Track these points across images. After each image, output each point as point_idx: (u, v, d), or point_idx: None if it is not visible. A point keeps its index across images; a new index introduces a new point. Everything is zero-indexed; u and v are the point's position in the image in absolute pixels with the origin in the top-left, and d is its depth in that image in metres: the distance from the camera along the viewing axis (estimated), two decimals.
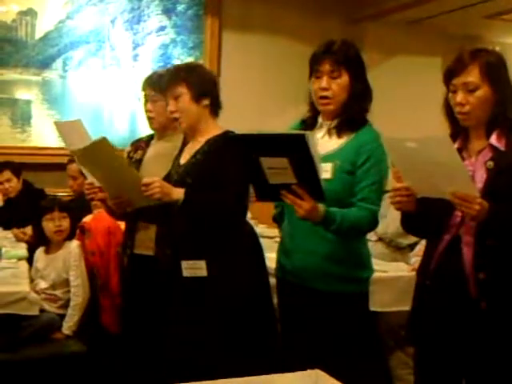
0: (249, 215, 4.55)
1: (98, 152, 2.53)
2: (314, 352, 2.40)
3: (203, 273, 2.54)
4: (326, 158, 2.46)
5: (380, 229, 4.29)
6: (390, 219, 4.10)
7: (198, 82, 2.64)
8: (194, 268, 2.55)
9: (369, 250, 2.66)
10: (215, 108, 2.70)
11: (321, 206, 2.27)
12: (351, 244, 2.51)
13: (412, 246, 4.18)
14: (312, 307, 2.49)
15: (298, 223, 2.43)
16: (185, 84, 2.63)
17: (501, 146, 2.17)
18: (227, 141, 2.55)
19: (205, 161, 2.62)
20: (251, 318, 2.58)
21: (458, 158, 2.00)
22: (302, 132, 2.15)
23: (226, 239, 2.58)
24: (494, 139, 2.18)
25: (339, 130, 2.50)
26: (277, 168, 2.16)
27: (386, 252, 4.29)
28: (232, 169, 2.47)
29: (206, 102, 2.65)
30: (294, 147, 2.11)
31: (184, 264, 2.56)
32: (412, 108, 6.10)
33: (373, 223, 2.45)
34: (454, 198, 2.03)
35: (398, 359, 3.72)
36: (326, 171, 2.42)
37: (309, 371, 1.64)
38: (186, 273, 2.56)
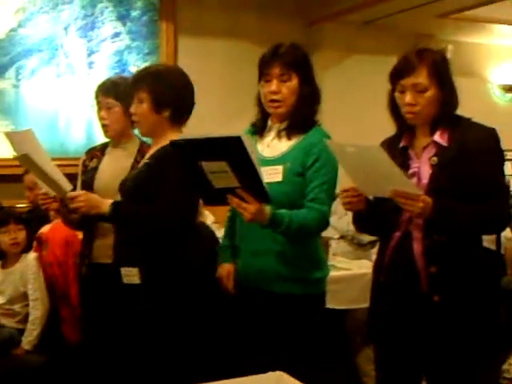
0: (211, 219, 4.56)
1: (28, 164, 2.56)
2: (273, 355, 2.37)
3: (137, 280, 2.51)
4: (277, 161, 2.46)
5: (342, 227, 4.32)
6: (350, 217, 4.13)
7: (162, 92, 2.58)
8: (130, 275, 2.52)
9: (323, 251, 2.65)
10: (178, 118, 2.64)
11: (267, 209, 2.25)
12: (304, 245, 2.49)
13: (374, 243, 4.21)
14: (267, 310, 2.47)
15: (249, 226, 2.41)
16: (147, 92, 2.58)
17: (443, 141, 2.23)
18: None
19: (147, 168, 2.58)
20: (198, 324, 2.54)
21: (394, 165, 2.04)
22: (237, 134, 2.12)
23: (163, 247, 2.52)
24: (437, 136, 2.24)
25: (289, 133, 2.50)
26: (218, 172, 2.15)
27: (350, 250, 4.33)
28: (172, 178, 2.44)
29: (166, 113, 2.60)
30: (231, 150, 2.09)
31: (122, 271, 2.54)
32: (370, 105, 6.12)
33: (322, 224, 2.44)
34: (396, 197, 2.06)
35: (365, 355, 3.74)
36: (277, 173, 2.42)
37: (270, 373, 1.62)
38: (124, 280, 2.54)
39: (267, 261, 2.45)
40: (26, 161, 2.56)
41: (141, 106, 2.60)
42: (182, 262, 2.53)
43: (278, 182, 2.40)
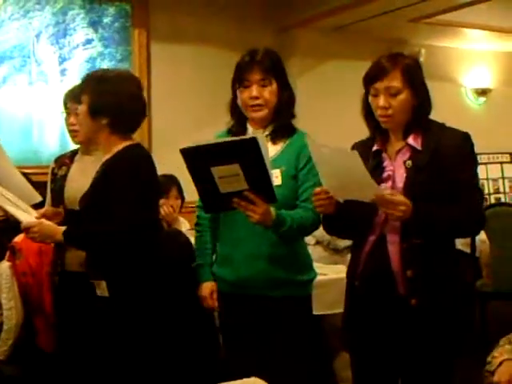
0: (187, 226, 4.53)
1: None
2: (261, 359, 2.39)
3: (105, 293, 2.49)
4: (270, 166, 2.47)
5: (318, 232, 4.31)
6: None
7: (100, 98, 2.50)
8: (100, 288, 2.50)
9: (309, 253, 2.68)
10: (119, 128, 2.55)
11: (272, 210, 2.30)
12: (294, 247, 2.53)
13: (350, 248, 4.20)
14: (257, 314, 2.48)
15: (242, 232, 2.41)
16: (87, 95, 2.54)
17: (417, 145, 2.25)
18: (121, 160, 2.47)
19: (95, 184, 2.54)
20: (176, 333, 2.52)
21: (365, 171, 2.07)
22: (252, 135, 2.17)
23: (129, 260, 2.48)
24: (411, 139, 2.26)
25: (274, 137, 2.53)
26: (228, 176, 2.16)
27: (326, 255, 4.32)
28: (121, 192, 2.40)
29: (104, 120, 2.52)
30: (246, 151, 2.12)
31: (94, 283, 2.53)
32: (343, 111, 6.17)
33: (317, 222, 2.49)
34: (378, 200, 2.08)
35: (342, 361, 3.72)
36: (275, 177, 2.45)
37: (245, 379, 1.61)
38: (97, 292, 2.52)
39: (259, 265, 2.47)
40: None
41: (80, 109, 2.56)
42: (149, 274, 2.50)
43: (277, 186, 2.42)
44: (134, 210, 2.39)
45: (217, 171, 2.16)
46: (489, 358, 1.95)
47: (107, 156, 2.55)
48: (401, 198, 2.12)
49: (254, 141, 2.11)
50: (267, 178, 2.19)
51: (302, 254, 2.60)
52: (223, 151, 2.15)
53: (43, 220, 2.59)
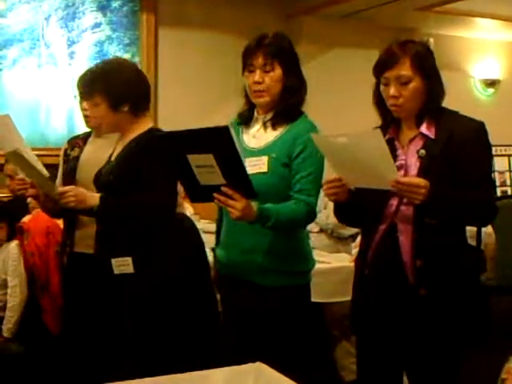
0: (191, 211, 4.57)
1: (19, 159, 2.57)
2: (257, 346, 2.38)
3: (130, 269, 2.52)
4: (262, 152, 2.45)
5: (321, 220, 4.33)
6: (329, 210, 4.13)
7: (115, 90, 2.56)
8: (122, 265, 2.53)
9: (309, 242, 2.65)
10: (138, 108, 2.63)
11: (254, 205, 2.23)
12: (291, 238, 2.47)
13: (354, 237, 4.22)
14: (253, 301, 2.46)
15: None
16: (101, 94, 2.58)
17: (431, 134, 2.22)
18: (151, 139, 2.53)
19: (126, 160, 2.59)
20: (185, 313, 2.55)
21: (387, 149, 2.02)
22: (223, 125, 2.12)
23: (152, 236, 2.53)
24: (424, 128, 2.23)
25: (274, 123, 2.48)
26: (204, 166, 2.14)
27: (329, 243, 4.33)
28: (154, 168, 2.46)
29: (126, 108, 2.58)
30: (218, 141, 2.09)
31: (113, 261, 2.54)
32: (349, 99, 6.17)
33: (311, 215, 2.42)
34: (397, 186, 2.06)
35: (342, 349, 3.74)
36: (261, 164, 2.40)
37: (250, 364, 1.61)
38: (116, 270, 2.55)
39: (253, 256, 2.43)
40: (14, 157, 2.56)
41: (98, 110, 2.60)
42: (172, 250, 2.55)
43: (263, 173, 2.38)
44: (170, 186, 2.49)
45: (193, 159, 2.14)
46: (503, 375, 1.90)
47: (127, 139, 2.62)
48: (421, 180, 2.09)
49: (226, 130, 2.07)
50: (243, 173, 2.14)
51: (299, 244, 2.52)
52: (196, 139, 2.13)
53: (75, 186, 2.62)
